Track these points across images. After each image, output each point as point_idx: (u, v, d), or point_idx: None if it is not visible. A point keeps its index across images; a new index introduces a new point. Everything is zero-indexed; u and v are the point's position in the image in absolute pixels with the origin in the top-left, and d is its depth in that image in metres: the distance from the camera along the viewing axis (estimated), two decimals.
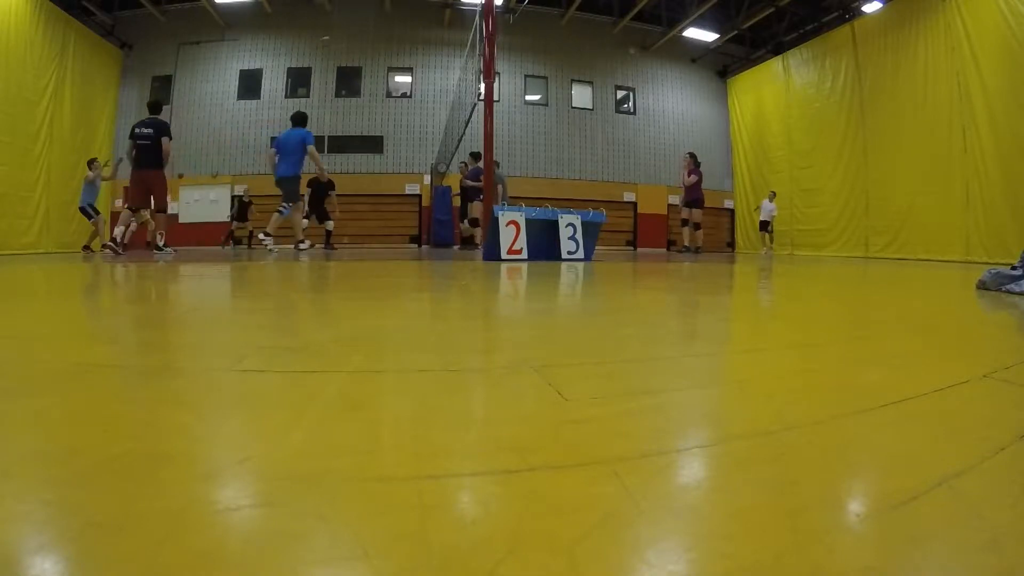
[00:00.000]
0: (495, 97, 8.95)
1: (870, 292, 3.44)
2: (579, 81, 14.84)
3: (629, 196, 14.88)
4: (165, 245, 7.65)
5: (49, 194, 10.33)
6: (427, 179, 13.21)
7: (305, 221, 9.60)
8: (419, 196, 13.64)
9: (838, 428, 0.77)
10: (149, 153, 7.23)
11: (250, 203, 12.36)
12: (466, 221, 11.02)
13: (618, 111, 15.14)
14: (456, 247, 11.76)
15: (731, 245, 15.96)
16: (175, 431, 0.72)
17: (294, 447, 0.66)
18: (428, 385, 0.99)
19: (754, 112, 14.91)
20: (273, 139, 8.09)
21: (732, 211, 15.91)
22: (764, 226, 12.94)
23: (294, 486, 0.55)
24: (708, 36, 14.61)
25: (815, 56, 12.70)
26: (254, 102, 13.49)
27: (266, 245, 8.00)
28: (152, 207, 7.91)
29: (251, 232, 12.47)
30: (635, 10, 13.82)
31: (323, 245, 10.03)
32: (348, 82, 13.76)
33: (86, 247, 8.74)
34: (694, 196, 10.32)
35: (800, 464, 0.64)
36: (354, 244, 12.85)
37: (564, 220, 6.96)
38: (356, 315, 1.99)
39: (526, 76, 14.54)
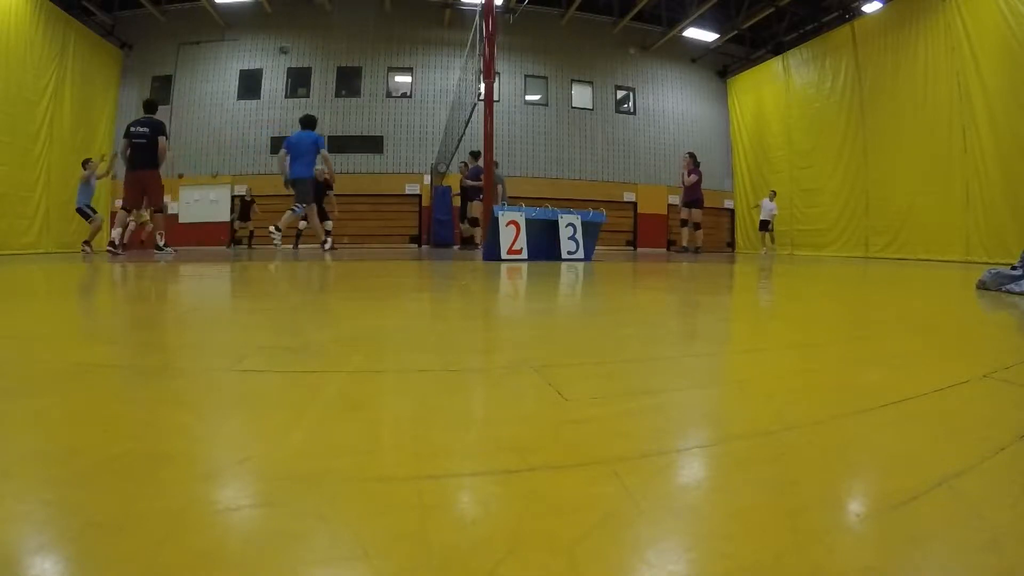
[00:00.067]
0: (495, 97, 8.95)
1: (870, 292, 3.44)
2: (579, 81, 14.84)
3: (629, 196, 14.88)
4: (165, 245, 7.65)
5: (49, 194, 10.33)
6: (427, 179, 13.21)
7: (329, 223, 9.64)
8: (419, 196, 13.64)
9: (838, 428, 0.77)
10: (144, 152, 7.18)
11: (252, 201, 12.37)
12: (467, 221, 11.03)
13: (618, 111, 15.14)
14: (456, 247, 11.77)
15: (731, 245, 15.96)
16: (175, 431, 0.72)
17: (294, 447, 0.66)
18: (428, 385, 0.99)
19: (754, 112, 14.91)
20: (283, 140, 8.12)
21: (732, 211, 15.92)
22: (764, 225, 12.92)
23: (294, 486, 0.55)
24: (708, 36, 14.61)
25: (815, 56, 12.70)
26: (254, 102, 13.50)
27: (273, 239, 7.99)
28: (147, 207, 7.88)
29: (251, 232, 12.49)
30: (635, 10, 13.82)
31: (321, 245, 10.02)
32: (348, 82, 13.76)
33: (86, 243, 8.72)
34: (694, 196, 10.32)
35: (800, 464, 0.64)
36: (354, 244, 12.86)
37: (564, 220, 6.96)
38: (356, 315, 1.99)
39: (526, 76, 14.54)
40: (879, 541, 0.47)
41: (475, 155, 10.36)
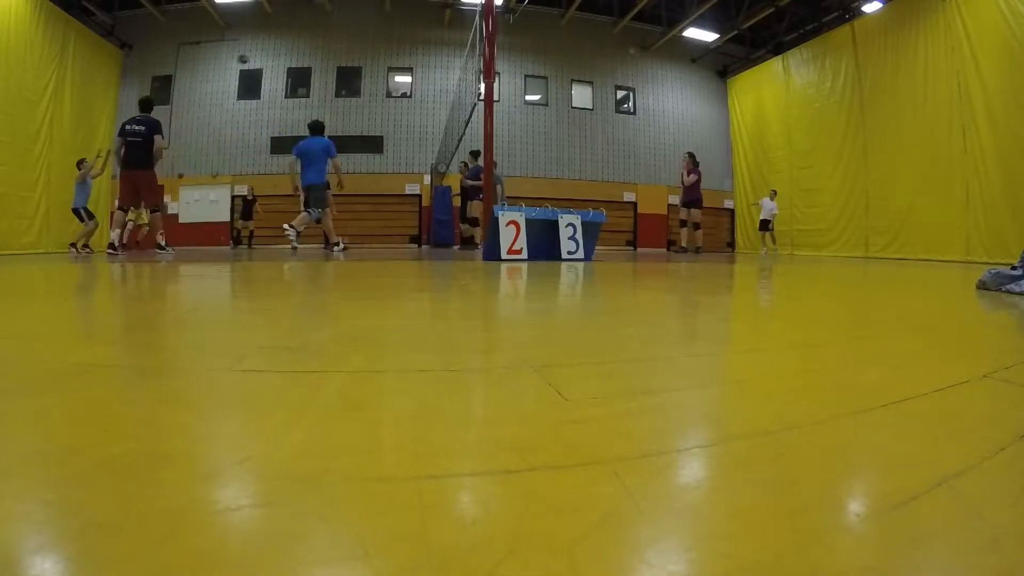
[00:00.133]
0: (495, 97, 8.95)
1: (870, 292, 3.44)
2: (579, 81, 14.84)
3: (629, 196, 14.88)
4: (166, 244, 7.64)
5: (49, 194, 10.32)
6: (427, 179, 13.21)
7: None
8: (419, 196, 13.64)
9: (838, 428, 0.77)
10: (139, 151, 7.11)
11: (255, 200, 12.37)
12: (467, 221, 11.02)
13: (618, 111, 15.14)
14: (456, 247, 11.77)
15: (731, 245, 15.97)
16: (175, 431, 0.72)
17: (294, 447, 0.66)
18: (428, 385, 0.99)
19: (754, 112, 14.91)
20: (293, 147, 8.18)
21: (732, 211, 15.92)
22: (764, 225, 12.91)
23: (294, 486, 0.55)
24: (708, 36, 14.62)
25: (815, 56, 12.70)
26: (254, 102, 13.50)
27: (288, 236, 8.01)
28: (145, 207, 7.86)
29: (252, 232, 12.49)
30: (635, 10, 13.82)
31: (323, 245, 10.04)
32: (348, 82, 13.76)
33: (73, 245, 8.67)
34: (693, 196, 10.32)
35: (800, 464, 0.64)
36: (354, 244, 12.85)
37: (564, 220, 6.96)
38: (356, 315, 1.99)
39: (526, 76, 14.54)
40: (879, 541, 0.47)
41: (475, 155, 10.35)
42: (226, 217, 13.16)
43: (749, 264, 7.27)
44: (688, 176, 10.29)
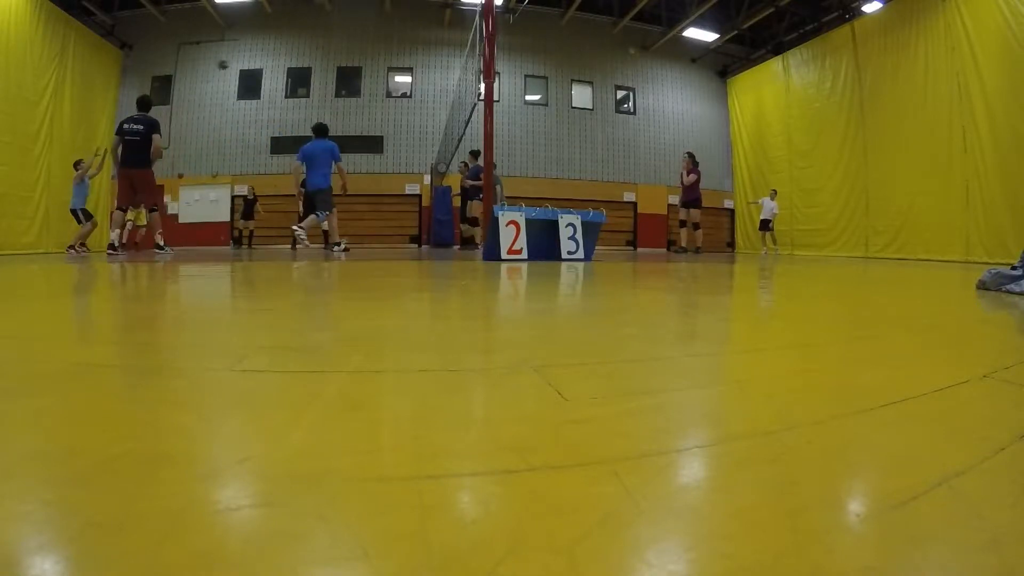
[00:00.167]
0: (495, 97, 8.95)
1: (870, 292, 3.44)
2: (579, 81, 14.84)
3: (629, 196, 14.89)
4: (165, 244, 7.64)
5: (49, 194, 10.32)
6: (427, 179, 13.21)
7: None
8: (419, 196, 13.65)
9: (838, 428, 0.77)
10: (137, 150, 7.09)
11: (255, 200, 12.37)
12: (467, 221, 11.02)
13: (618, 111, 15.14)
14: (456, 247, 11.77)
15: (731, 245, 15.97)
16: (175, 431, 0.72)
17: (294, 447, 0.66)
18: (428, 385, 0.99)
19: (754, 112, 14.91)
20: (298, 151, 8.20)
21: (732, 211, 15.92)
22: (764, 225, 12.91)
23: (294, 486, 0.55)
24: (708, 36, 14.62)
25: (815, 56, 12.70)
26: (254, 102, 13.50)
27: (298, 236, 8.03)
28: (144, 207, 7.85)
29: (251, 232, 12.49)
30: (635, 10, 13.82)
31: (323, 246, 10.04)
32: (348, 82, 13.76)
33: (71, 247, 8.66)
34: (692, 196, 10.32)
35: (800, 464, 0.64)
36: (354, 244, 12.85)
37: (564, 220, 6.96)
38: (356, 315, 1.99)
39: (526, 76, 14.54)
40: (879, 541, 0.47)
41: (475, 154, 10.34)
42: (226, 217, 13.15)
43: (749, 264, 7.27)
44: (688, 176, 10.29)
